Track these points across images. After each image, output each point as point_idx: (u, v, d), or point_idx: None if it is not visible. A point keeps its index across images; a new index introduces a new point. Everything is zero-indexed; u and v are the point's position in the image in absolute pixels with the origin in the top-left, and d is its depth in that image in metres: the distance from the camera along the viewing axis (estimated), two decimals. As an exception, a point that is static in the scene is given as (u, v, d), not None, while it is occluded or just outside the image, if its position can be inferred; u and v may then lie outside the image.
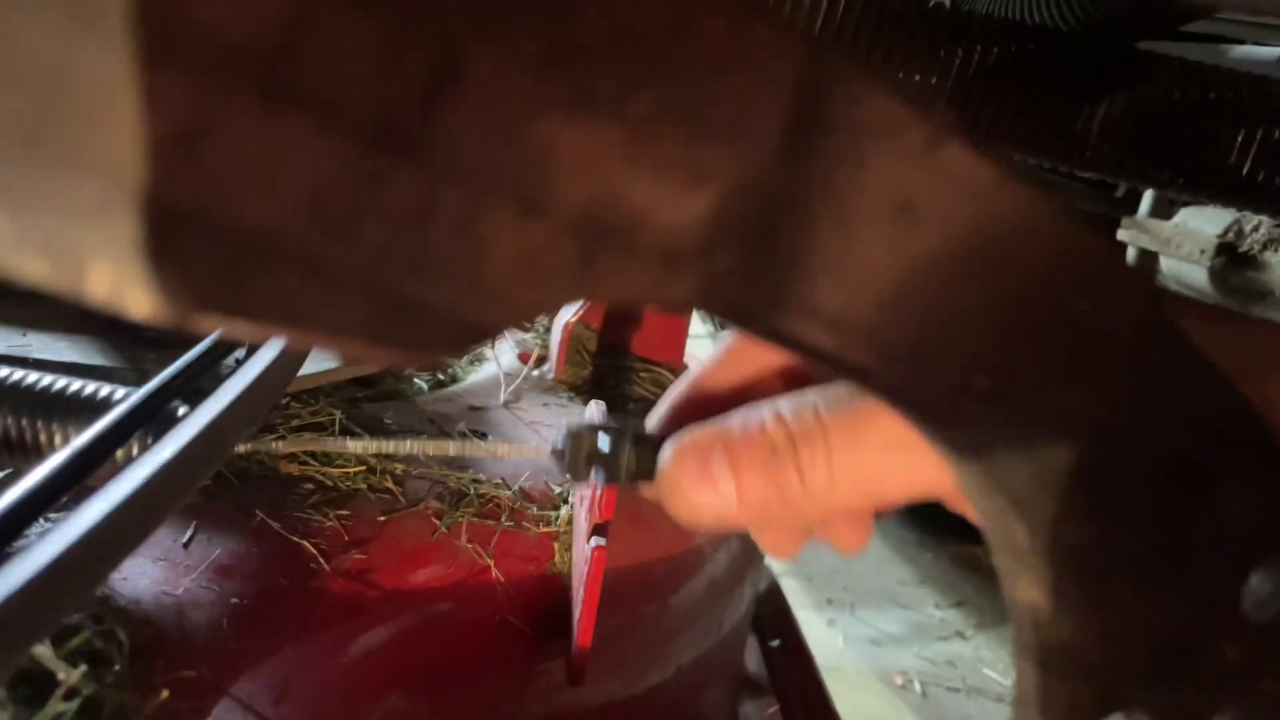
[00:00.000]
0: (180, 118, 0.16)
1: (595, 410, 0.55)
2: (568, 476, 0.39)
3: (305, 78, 0.16)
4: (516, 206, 0.17)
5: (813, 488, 0.29)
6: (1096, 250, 0.20)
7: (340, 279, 0.17)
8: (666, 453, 0.32)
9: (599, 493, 0.48)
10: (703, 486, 0.30)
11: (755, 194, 0.18)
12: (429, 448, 0.47)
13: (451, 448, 0.43)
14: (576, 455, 0.39)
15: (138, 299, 0.16)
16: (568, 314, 0.81)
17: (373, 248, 0.17)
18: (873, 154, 0.18)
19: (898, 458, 0.27)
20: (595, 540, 0.46)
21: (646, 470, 0.40)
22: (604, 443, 0.40)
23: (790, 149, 0.18)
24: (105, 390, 0.42)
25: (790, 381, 0.36)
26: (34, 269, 0.15)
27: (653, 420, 0.39)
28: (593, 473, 0.41)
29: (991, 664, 1.19)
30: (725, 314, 0.19)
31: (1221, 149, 0.58)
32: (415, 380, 0.77)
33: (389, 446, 0.48)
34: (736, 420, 0.30)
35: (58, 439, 0.41)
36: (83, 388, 0.43)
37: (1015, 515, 0.21)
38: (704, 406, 0.37)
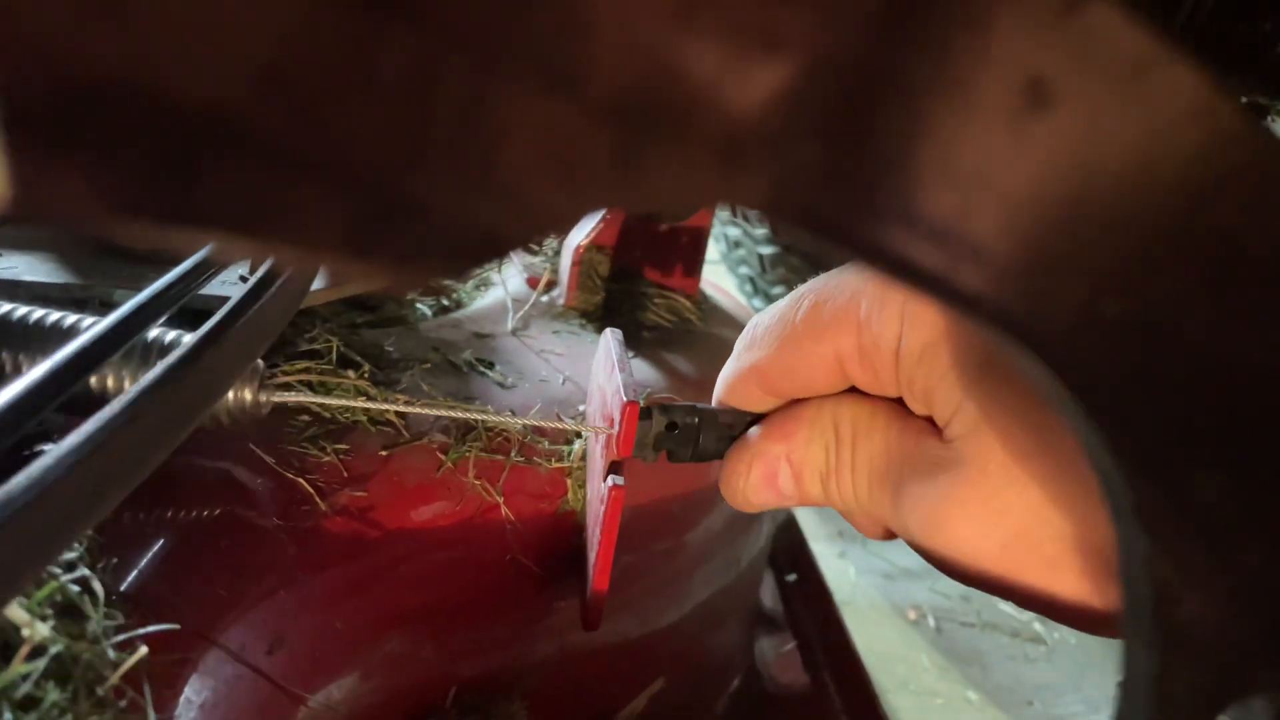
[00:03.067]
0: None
1: (611, 338, 0.51)
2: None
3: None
4: (538, 81, 0.13)
5: (859, 499, 0.36)
6: (1270, 150, 0.16)
7: (313, 172, 0.13)
8: (738, 456, 0.39)
9: (618, 429, 0.44)
10: (769, 490, 0.38)
11: (845, 68, 0.14)
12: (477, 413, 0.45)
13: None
14: (644, 436, 0.42)
15: (42, 201, 0.12)
16: (579, 236, 0.77)
17: (355, 133, 0.13)
18: (999, 17, 0.14)
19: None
20: (612, 479, 0.43)
21: (708, 452, 0.41)
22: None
23: (893, 9, 0.14)
24: (72, 319, 0.39)
25: (844, 372, 0.35)
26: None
27: (718, 394, 0.40)
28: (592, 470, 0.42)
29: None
30: (803, 222, 0.15)
31: None
32: (418, 306, 0.73)
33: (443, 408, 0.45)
34: (802, 435, 0.37)
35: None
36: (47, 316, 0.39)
37: (1143, 473, 0.17)
38: (763, 387, 0.38)
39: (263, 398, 0.43)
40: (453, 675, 0.48)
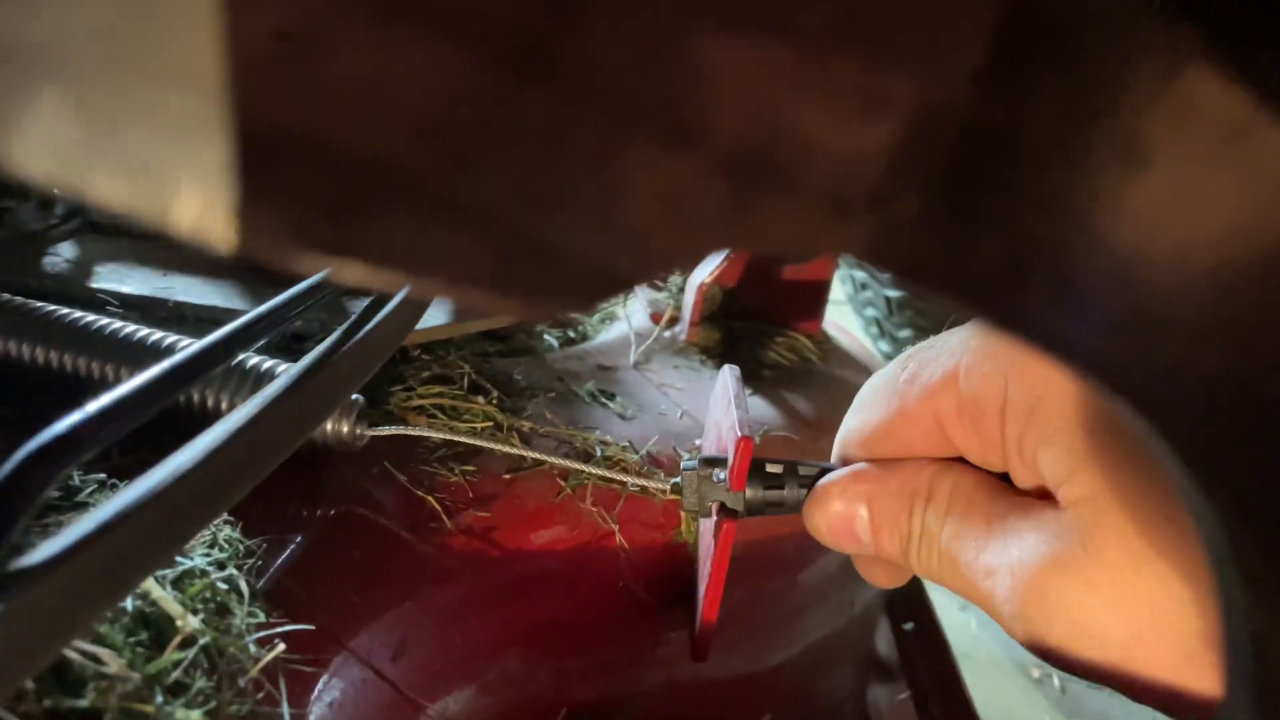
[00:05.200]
0: (283, 26, 0.14)
1: (729, 375, 0.53)
2: (693, 512, 0.44)
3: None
4: (662, 138, 0.15)
5: (927, 572, 0.35)
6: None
7: (461, 216, 0.15)
8: (826, 489, 0.39)
9: (732, 463, 0.45)
10: (844, 531, 0.38)
11: (946, 127, 0.15)
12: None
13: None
14: (694, 489, 0.44)
15: (230, 231, 0.15)
16: (702, 273, 0.78)
17: (498, 182, 0.15)
18: (1100, 78, 0.15)
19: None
20: (726, 511, 0.44)
21: (762, 506, 0.43)
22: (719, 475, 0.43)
23: (995, 71, 0.15)
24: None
25: (946, 434, 0.35)
26: (113, 191, 0.14)
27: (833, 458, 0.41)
28: (714, 509, 0.45)
29: (1140, 664, 1.12)
30: (899, 270, 0.16)
31: None
32: (546, 337, 0.76)
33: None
34: (893, 485, 0.36)
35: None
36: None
37: (1243, 524, 0.18)
38: (866, 450, 0.38)
39: (359, 430, 0.45)
40: (564, 697, 0.50)
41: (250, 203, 0.14)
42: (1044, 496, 0.32)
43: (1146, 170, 0.15)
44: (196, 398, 0.44)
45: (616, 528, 0.52)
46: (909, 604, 0.89)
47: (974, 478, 0.35)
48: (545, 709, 0.49)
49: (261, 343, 0.38)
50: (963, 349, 0.33)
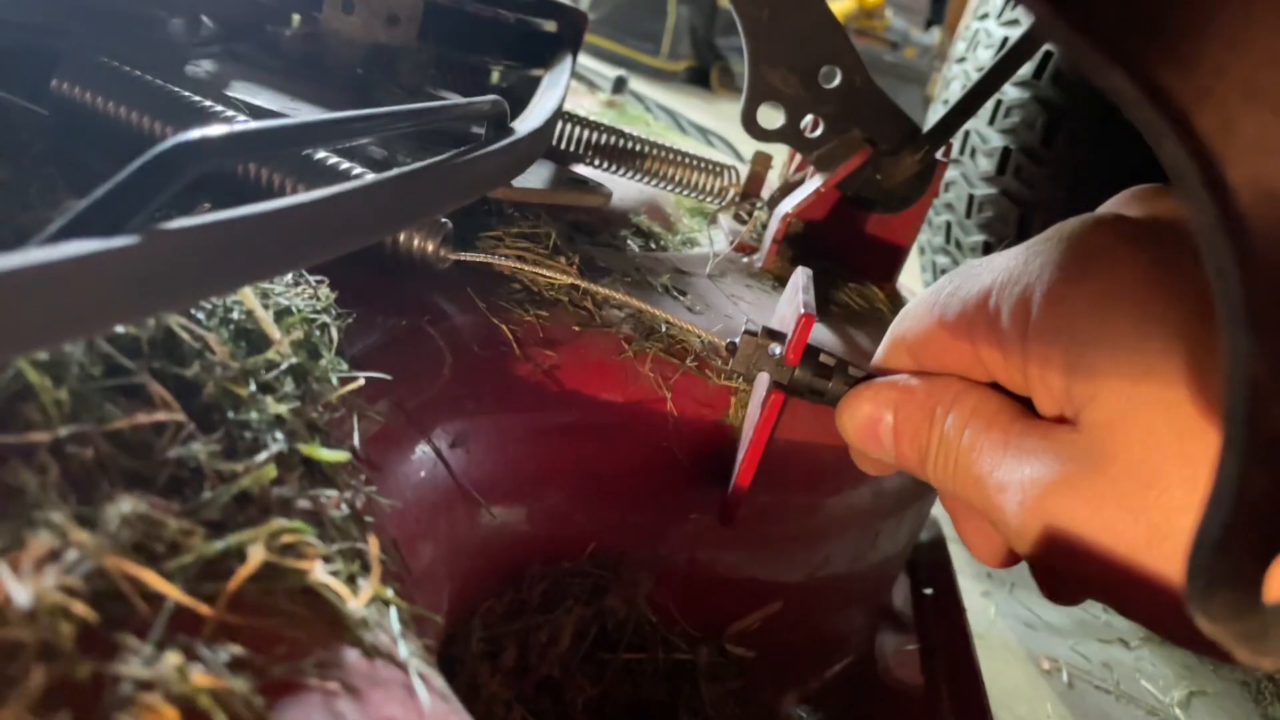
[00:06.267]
0: None
1: (802, 276, 0.55)
2: (738, 373, 0.47)
3: None
4: None
5: (941, 481, 0.37)
6: None
7: None
8: (852, 399, 0.41)
9: (790, 338, 0.47)
10: (869, 434, 0.40)
11: None
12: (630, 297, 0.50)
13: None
14: (748, 355, 0.47)
15: None
16: (789, 205, 0.80)
17: None
18: None
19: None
20: (775, 383, 0.46)
21: (807, 389, 0.45)
22: (775, 349, 0.46)
23: None
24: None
25: (977, 353, 0.37)
26: None
27: (874, 361, 0.43)
28: (759, 376, 0.48)
29: (1151, 677, 1.11)
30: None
31: None
32: (629, 242, 0.78)
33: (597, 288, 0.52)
34: (919, 395, 0.38)
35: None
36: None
37: (1260, 272, 0.20)
38: (910, 354, 0.40)
39: (443, 252, 0.49)
40: (594, 537, 0.53)
41: None
42: (1063, 422, 0.33)
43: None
44: (290, 188, 0.48)
45: (669, 395, 0.54)
46: (931, 570, 0.90)
47: (999, 400, 0.36)
48: (577, 543, 0.52)
49: (371, 138, 0.41)
50: (1000, 268, 0.35)
